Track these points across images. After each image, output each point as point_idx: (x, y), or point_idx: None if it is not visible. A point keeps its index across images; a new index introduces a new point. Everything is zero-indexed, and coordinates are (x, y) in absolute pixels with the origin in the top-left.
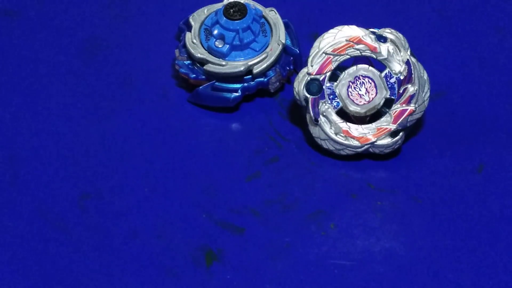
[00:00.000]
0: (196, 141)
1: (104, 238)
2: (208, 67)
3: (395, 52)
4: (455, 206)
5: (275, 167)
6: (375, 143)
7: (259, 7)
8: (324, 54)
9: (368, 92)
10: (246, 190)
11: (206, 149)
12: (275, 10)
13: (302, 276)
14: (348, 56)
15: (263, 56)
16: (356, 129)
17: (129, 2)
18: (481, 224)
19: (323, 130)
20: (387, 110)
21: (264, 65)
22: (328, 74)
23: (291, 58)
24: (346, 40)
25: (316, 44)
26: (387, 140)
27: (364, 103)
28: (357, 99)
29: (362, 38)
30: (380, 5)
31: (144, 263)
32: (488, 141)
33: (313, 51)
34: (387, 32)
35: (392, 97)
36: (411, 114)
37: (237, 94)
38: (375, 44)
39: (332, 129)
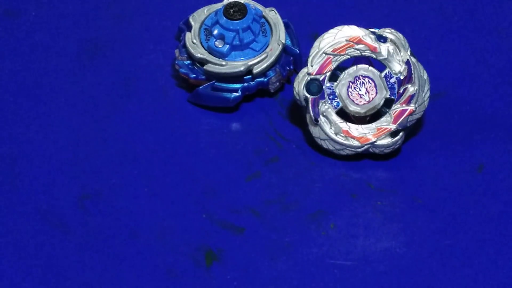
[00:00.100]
0: (196, 141)
1: (104, 238)
2: (208, 67)
3: (395, 52)
4: (455, 206)
5: (275, 167)
6: (375, 143)
7: (259, 7)
8: (324, 54)
9: (368, 92)
10: (246, 190)
11: (206, 149)
12: (275, 10)
13: (302, 276)
14: (348, 56)
15: (263, 56)
16: (356, 129)
17: (129, 2)
18: (481, 224)
19: (323, 130)
20: (387, 110)
21: (264, 65)
22: (328, 74)
23: (291, 58)
24: (346, 40)
25: (316, 44)
26: (387, 140)
27: (364, 103)
28: (357, 99)
29: (362, 38)
30: (380, 5)
31: (144, 263)
32: (488, 141)
33: (313, 51)
34: (387, 32)
35: (392, 97)
36: (411, 114)
37: (237, 94)
38: (375, 44)
39: (332, 129)
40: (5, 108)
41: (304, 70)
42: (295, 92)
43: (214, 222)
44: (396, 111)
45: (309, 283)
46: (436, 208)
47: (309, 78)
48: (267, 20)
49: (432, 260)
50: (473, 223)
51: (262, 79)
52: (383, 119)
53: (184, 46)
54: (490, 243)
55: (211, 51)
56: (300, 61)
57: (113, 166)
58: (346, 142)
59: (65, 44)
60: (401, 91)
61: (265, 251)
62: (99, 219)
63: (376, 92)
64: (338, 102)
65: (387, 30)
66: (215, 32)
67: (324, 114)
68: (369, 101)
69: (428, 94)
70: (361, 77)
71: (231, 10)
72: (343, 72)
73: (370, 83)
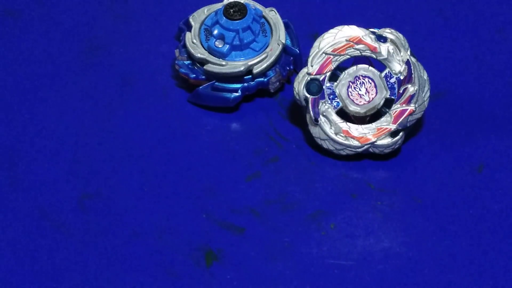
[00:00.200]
0: (196, 141)
1: (104, 238)
2: (208, 67)
3: (395, 52)
4: (455, 206)
5: (275, 167)
6: (375, 143)
7: (259, 7)
8: (324, 54)
9: (368, 92)
10: (246, 190)
11: (206, 149)
12: (275, 10)
13: (302, 276)
14: (348, 56)
15: (263, 56)
16: (356, 129)
17: (129, 2)
18: (481, 224)
19: (323, 130)
20: (387, 110)
21: (264, 65)
22: (328, 74)
23: (291, 58)
24: (346, 40)
25: (316, 44)
26: (387, 140)
27: (364, 103)
28: (357, 99)
29: (362, 38)
30: (380, 5)
31: (144, 263)
32: (488, 141)
33: (313, 51)
34: (387, 32)
35: (392, 97)
36: (411, 114)
37: (237, 94)
38: (375, 44)
39: (332, 129)
40: (5, 108)
41: (304, 70)
42: (295, 92)
43: (214, 222)
44: (396, 111)
45: (309, 283)
46: (436, 208)
47: (309, 78)
48: (267, 20)
49: (432, 260)
50: (473, 223)
51: (262, 79)
52: (383, 119)
53: (184, 46)
54: (490, 243)
55: (211, 51)
56: (300, 61)
57: (113, 166)
58: (346, 142)
59: (65, 44)
60: (401, 91)
61: (265, 251)
62: (99, 219)
63: (376, 92)
64: (338, 102)
65: (387, 30)
66: (215, 32)
67: (324, 114)
68: (369, 101)
69: (428, 94)
70: (361, 77)
71: (231, 10)
72: (343, 72)
73: (370, 83)
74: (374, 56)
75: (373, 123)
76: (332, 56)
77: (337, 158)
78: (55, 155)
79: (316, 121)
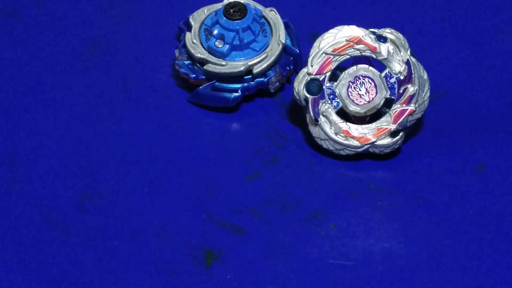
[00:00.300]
0: (196, 141)
1: (104, 238)
2: (208, 67)
3: (395, 52)
4: (455, 206)
5: (275, 167)
6: (375, 143)
7: (259, 7)
8: (324, 54)
9: (368, 92)
10: (246, 190)
11: (206, 149)
12: (275, 10)
13: (302, 276)
14: (348, 56)
15: (263, 56)
16: (356, 129)
17: (129, 2)
18: (481, 224)
19: (323, 130)
20: (387, 110)
21: (264, 65)
22: (328, 74)
23: (291, 58)
24: (346, 40)
25: (316, 44)
26: (387, 140)
27: (364, 103)
28: (357, 99)
29: (362, 38)
30: (380, 5)
31: (144, 263)
32: (488, 141)
33: (313, 51)
34: (387, 32)
35: (392, 97)
36: (411, 114)
37: (237, 94)
38: (375, 44)
39: (332, 129)
40: (5, 108)
41: (304, 70)
42: (295, 92)
43: (214, 222)
44: (396, 111)
45: (309, 283)
46: (436, 208)
47: (309, 78)
48: (267, 20)
49: (432, 260)
50: (473, 223)
51: (262, 79)
52: (383, 119)
53: (184, 46)
54: (490, 243)
55: (211, 51)
56: (300, 61)
57: (113, 166)
58: (346, 142)
59: (65, 44)
60: (401, 91)
61: (265, 251)
62: (99, 219)
63: (376, 92)
64: (338, 102)
65: (387, 30)
66: (215, 32)
67: (324, 114)
68: (369, 101)
69: (428, 94)
70: (361, 77)
71: (231, 10)
72: (343, 72)
73: (370, 83)
74: (374, 56)
75: (373, 123)
76: (332, 56)
77: (337, 158)
78: (55, 155)
79: (316, 121)
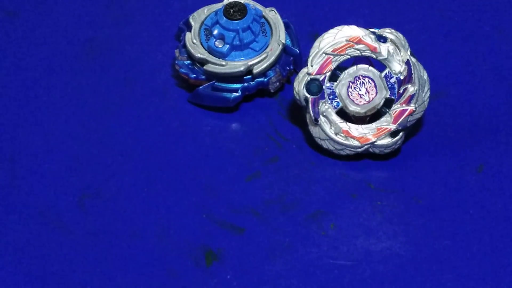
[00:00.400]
0: (196, 141)
1: (104, 238)
2: (208, 67)
3: (395, 52)
4: (455, 206)
5: (275, 167)
6: (375, 143)
7: (259, 7)
8: (324, 54)
9: (368, 92)
10: (246, 190)
11: (206, 149)
12: (275, 10)
13: (302, 276)
14: (348, 56)
15: (263, 56)
16: (356, 129)
17: (129, 2)
18: (481, 224)
19: (323, 130)
20: (387, 110)
21: (264, 65)
22: (328, 74)
23: (291, 58)
24: (346, 40)
25: (316, 44)
26: (387, 140)
27: (364, 103)
28: (357, 99)
29: (362, 38)
30: (380, 5)
31: (144, 263)
32: (488, 141)
33: (313, 51)
34: (387, 32)
35: (392, 97)
36: (411, 114)
37: (237, 94)
38: (375, 44)
39: (332, 129)
40: (5, 108)
41: (304, 70)
42: (295, 92)
43: (214, 222)
44: (396, 111)
45: (309, 283)
46: (436, 208)
47: (309, 78)
48: (267, 20)
49: (432, 260)
50: (473, 223)
51: (262, 79)
52: (383, 119)
53: (184, 46)
54: (490, 243)
55: (211, 51)
56: (300, 61)
57: (113, 166)
58: (346, 142)
59: (65, 44)
60: (401, 91)
61: (265, 251)
62: (99, 219)
63: (376, 92)
64: (338, 102)
65: (387, 30)
66: (215, 32)
67: (324, 114)
68: (369, 101)
69: (428, 94)
70: (361, 77)
71: (231, 10)
72: (343, 72)
73: (370, 83)
74: (374, 56)
75: (373, 123)
76: (332, 56)
77: (337, 158)
78: (55, 155)
79: (316, 121)
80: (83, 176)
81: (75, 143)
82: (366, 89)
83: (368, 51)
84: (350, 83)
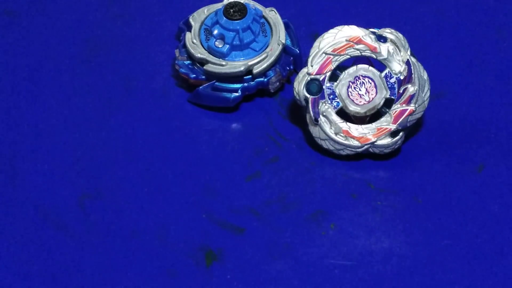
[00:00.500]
0: (196, 141)
1: (104, 238)
2: (208, 67)
3: (395, 52)
4: (455, 206)
5: (275, 167)
6: (375, 143)
7: (259, 7)
8: (324, 54)
9: (368, 92)
10: (246, 190)
11: (206, 149)
12: (275, 10)
13: (302, 276)
14: (348, 56)
15: (263, 56)
16: (356, 129)
17: (129, 2)
18: (481, 224)
19: (323, 130)
20: (387, 110)
21: (264, 65)
22: (328, 74)
23: (291, 58)
24: (346, 40)
25: (316, 44)
26: (387, 140)
27: (364, 103)
28: (357, 99)
29: (362, 38)
30: (380, 5)
31: (144, 263)
32: (488, 141)
33: (313, 51)
34: (387, 32)
35: (392, 97)
36: (411, 114)
37: (237, 94)
38: (375, 44)
39: (332, 129)
40: (5, 108)
41: (304, 70)
42: (295, 92)
43: (214, 222)
44: (396, 111)
45: (309, 283)
46: (436, 208)
47: (309, 78)
48: (267, 20)
49: (432, 260)
50: (473, 223)
51: (262, 79)
52: (383, 119)
53: (184, 46)
54: (490, 243)
55: (211, 51)
56: (300, 61)
57: (113, 166)
58: (346, 142)
59: (64, 44)
60: (401, 91)
61: (265, 251)
62: (99, 219)
63: (376, 92)
64: (338, 102)
65: (387, 30)
66: (215, 32)
67: (324, 114)
68: (369, 101)
69: (428, 94)
70: (361, 77)
71: (231, 10)
72: (343, 72)
73: (370, 83)
74: (374, 56)
75: (373, 123)
76: (332, 56)
77: (337, 158)
78: (55, 155)
79: (316, 121)
80: (83, 176)
81: (75, 143)
82: (366, 89)
83: (368, 51)
84: (350, 83)
